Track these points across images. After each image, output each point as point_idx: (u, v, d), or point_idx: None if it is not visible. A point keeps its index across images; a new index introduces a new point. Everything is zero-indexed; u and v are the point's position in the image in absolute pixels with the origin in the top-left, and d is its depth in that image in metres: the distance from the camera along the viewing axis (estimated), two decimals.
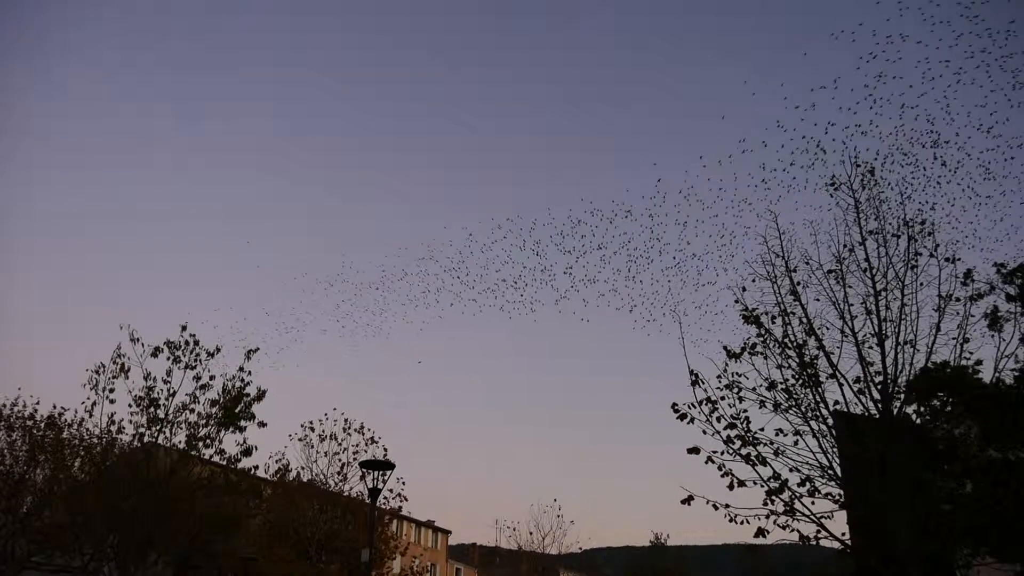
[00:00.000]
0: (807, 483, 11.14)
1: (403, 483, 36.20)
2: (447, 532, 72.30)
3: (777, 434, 11.56)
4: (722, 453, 11.32)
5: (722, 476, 11.20)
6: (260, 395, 24.61)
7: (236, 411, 24.01)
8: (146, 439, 23.73)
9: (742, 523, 11.15)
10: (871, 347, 11.69)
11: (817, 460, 11.35)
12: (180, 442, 23.88)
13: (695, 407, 11.58)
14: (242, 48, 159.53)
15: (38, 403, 26.19)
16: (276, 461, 30.32)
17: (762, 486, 11.13)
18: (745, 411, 11.58)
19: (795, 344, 11.90)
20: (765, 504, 11.05)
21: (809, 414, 11.57)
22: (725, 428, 11.42)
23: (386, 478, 17.23)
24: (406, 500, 30.85)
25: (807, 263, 12.32)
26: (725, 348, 11.99)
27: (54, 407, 25.83)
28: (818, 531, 11.00)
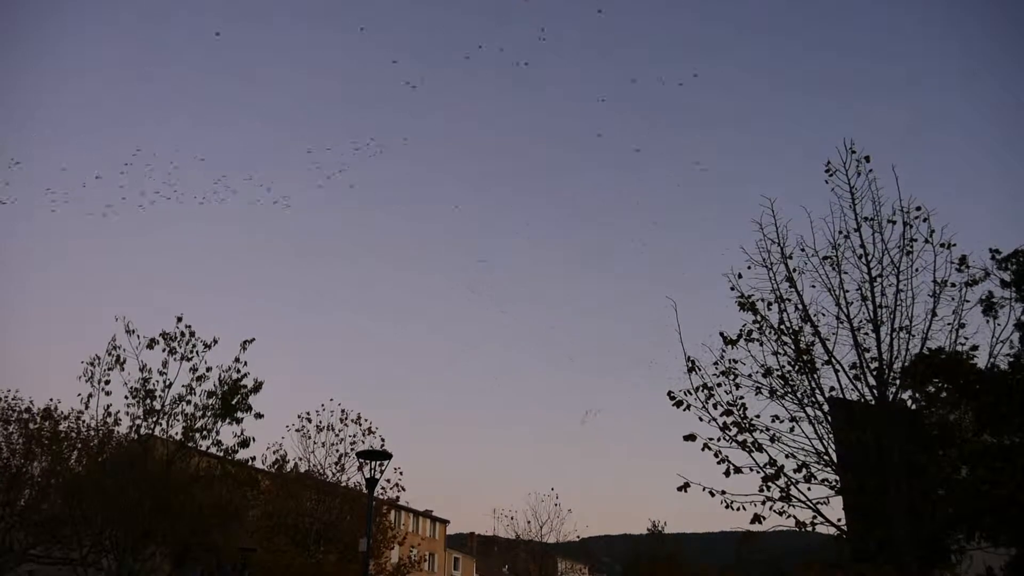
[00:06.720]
0: (803, 469, 11.19)
1: (400, 473, 36.44)
2: (445, 522, 72.73)
3: (773, 420, 11.60)
4: (718, 440, 11.37)
5: (718, 463, 11.26)
6: (257, 386, 24.61)
7: (233, 402, 24.01)
8: (143, 431, 23.74)
9: (739, 509, 11.22)
10: (867, 333, 11.68)
11: (813, 446, 11.38)
12: (177, 434, 23.91)
13: (691, 394, 11.63)
14: (247, 51, 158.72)
15: (31, 400, 26.14)
16: (274, 452, 30.43)
17: (758, 472, 11.19)
18: (741, 398, 11.62)
19: (791, 331, 11.90)
20: (761, 490, 11.10)
21: (805, 400, 11.60)
22: (721, 415, 11.46)
23: (383, 468, 17.26)
24: (404, 490, 30.97)
25: (803, 250, 12.30)
26: (722, 334, 12.01)
27: (50, 400, 25.86)
28: (814, 517, 11.06)
